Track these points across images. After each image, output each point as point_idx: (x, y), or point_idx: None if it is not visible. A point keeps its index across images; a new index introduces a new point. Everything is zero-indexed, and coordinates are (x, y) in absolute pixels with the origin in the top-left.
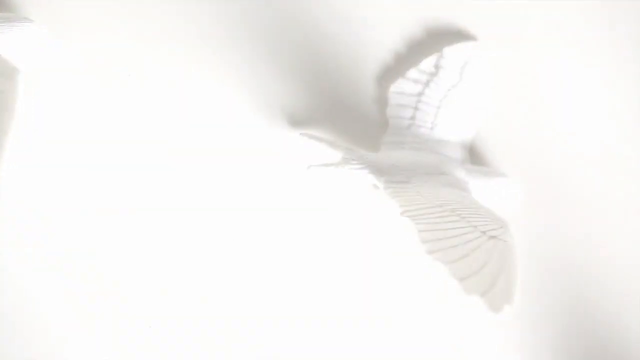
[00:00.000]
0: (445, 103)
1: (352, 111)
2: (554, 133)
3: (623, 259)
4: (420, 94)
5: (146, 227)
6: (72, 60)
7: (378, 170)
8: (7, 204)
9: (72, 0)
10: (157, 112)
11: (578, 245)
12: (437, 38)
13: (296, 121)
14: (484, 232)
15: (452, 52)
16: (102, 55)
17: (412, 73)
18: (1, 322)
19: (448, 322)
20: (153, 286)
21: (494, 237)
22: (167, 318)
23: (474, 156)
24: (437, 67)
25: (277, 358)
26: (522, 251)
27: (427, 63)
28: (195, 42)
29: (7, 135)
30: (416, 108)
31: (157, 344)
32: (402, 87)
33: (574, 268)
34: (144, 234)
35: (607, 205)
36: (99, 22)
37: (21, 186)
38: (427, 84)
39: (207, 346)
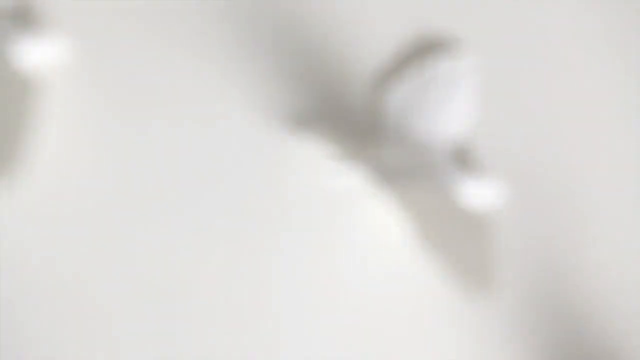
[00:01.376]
0: (438, 107)
1: (350, 112)
2: (544, 136)
3: (616, 259)
4: (415, 98)
5: (146, 228)
6: (88, 68)
7: (376, 170)
8: (14, 205)
9: (86, 10)
10: (156, 112)
11: (569, 245)
12: (432, 44)
13: (296, 121)
14: (477, 230)
15: (446, 57)
16: (108, 58)
17: (408, 77)
18: (1, 322)
19: (439, 315)
20: (154, 290)
21: (483, 234)
22: (168, 320)
23: (465, 158)
24: (431, 71)
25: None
26: (513, 250)
27: (422, 68)
28: (195, 43)
29: (24, 144)
30: (412, 111)
31: (159, 345)
32: (398, 90)
33: (564, 268)
34: (144, 235)
35: (598, 207)
36: (109, 27)
37: (27, 189)
38: (422, 87)
39: (208, 347)
